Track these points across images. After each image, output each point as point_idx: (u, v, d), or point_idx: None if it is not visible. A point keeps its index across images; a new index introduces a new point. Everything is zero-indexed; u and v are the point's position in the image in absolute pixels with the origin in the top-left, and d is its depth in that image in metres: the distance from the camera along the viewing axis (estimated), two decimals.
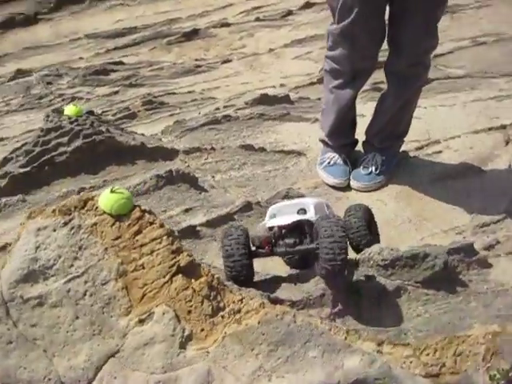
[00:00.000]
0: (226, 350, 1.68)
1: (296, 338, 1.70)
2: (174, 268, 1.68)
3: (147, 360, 1.67)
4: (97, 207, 1.70)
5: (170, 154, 3.12)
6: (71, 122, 2.91)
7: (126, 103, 4.38)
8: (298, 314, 1.75)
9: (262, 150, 3.26)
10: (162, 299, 1.68)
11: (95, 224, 1.68)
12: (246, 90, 4.38)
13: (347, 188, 3.01)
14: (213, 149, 3.23)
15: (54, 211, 1.70)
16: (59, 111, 3.05)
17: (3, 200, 2.72)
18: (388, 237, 2.66)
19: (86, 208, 1.70)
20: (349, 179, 3.00)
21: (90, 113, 3.08)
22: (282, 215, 1.93)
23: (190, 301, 1.69)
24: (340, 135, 3.01)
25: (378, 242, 2.20)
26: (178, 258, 1.69)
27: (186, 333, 1.68)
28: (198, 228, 2.55)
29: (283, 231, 1.89)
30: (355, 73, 2.72)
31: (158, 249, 1.68)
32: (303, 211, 1.92)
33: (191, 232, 2.52)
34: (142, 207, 1.74)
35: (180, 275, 1.68)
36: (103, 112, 4.20)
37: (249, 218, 2.67)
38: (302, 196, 2.84)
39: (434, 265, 2.11)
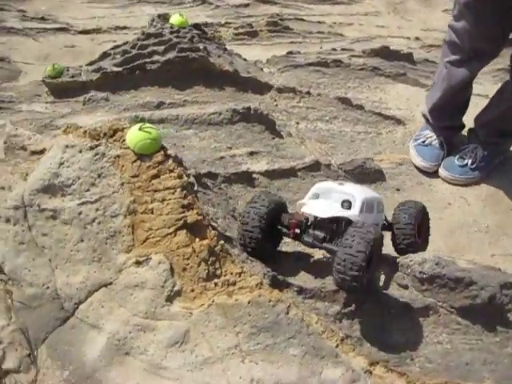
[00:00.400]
0: (208, 318, 1.63)
1: (282, 330, 1.61)
2: (181, 222, 1.63)
3: (133, 301, 1.68)
4: (124, 140, 1.65)
5: (261, 88, 2.99)
6: (172, 32, 2.86)
7: (252, 19, 4.23)
8: (293, 306, 1.64)
9: (360, 107, 3.02)
10: (162, 249, 1.65)
11: (118, 156, 1.66)
12: (378, 35, 4.03)
13: (434, 174, 2.72)
14: (308, 93, 3.04)
15: (84, 133, 1.68)
16: (165, 18, 3.00)
17: (90, 94, 2.79)
18: (455, 242, 2.40)
19: (114, 138, 1.67)
20: (439, 165, 2.69)
21: (196, 26, 2.99)
22: (324, 200, 1.72)
23: (188, 259, 1.64)
24: (442, 115, 2.68)
25: (425, 248, 1.98)
26: (186, 213, 1.63)
27: (176, 288, 1.65)
28: (255, 176, 2.45)
29: (318, 219, 1.72)
30: (474, 51, 2.35)
31: (170, 199, 1.63)
32: (348, 204, 1.69)
33: (247, 178, 2.43)
34: (168, 152, 1.67)
35: (184, 231, 1.63)
36: (226, 23, 4.11)
37: (313, 178, 2.52)
38: (379, 171, 2.62)
39: (477, 296, 1.86)
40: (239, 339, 1.62)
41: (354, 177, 2.54)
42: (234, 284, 1.65)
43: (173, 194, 1.63)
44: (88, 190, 1.68)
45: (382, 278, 1.88)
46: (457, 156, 2.65)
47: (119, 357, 1.68)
